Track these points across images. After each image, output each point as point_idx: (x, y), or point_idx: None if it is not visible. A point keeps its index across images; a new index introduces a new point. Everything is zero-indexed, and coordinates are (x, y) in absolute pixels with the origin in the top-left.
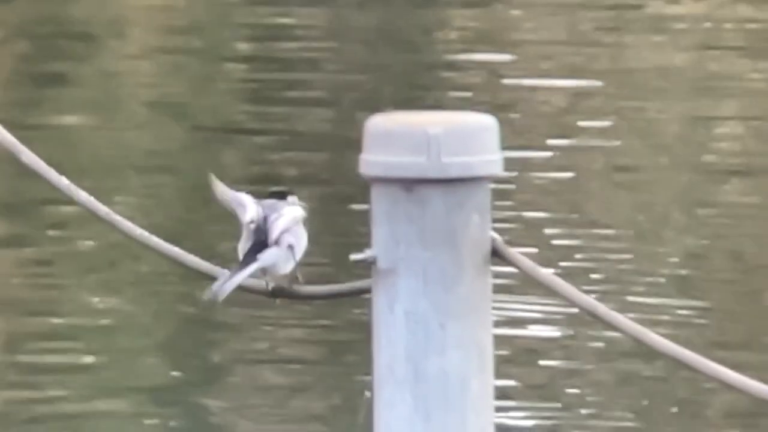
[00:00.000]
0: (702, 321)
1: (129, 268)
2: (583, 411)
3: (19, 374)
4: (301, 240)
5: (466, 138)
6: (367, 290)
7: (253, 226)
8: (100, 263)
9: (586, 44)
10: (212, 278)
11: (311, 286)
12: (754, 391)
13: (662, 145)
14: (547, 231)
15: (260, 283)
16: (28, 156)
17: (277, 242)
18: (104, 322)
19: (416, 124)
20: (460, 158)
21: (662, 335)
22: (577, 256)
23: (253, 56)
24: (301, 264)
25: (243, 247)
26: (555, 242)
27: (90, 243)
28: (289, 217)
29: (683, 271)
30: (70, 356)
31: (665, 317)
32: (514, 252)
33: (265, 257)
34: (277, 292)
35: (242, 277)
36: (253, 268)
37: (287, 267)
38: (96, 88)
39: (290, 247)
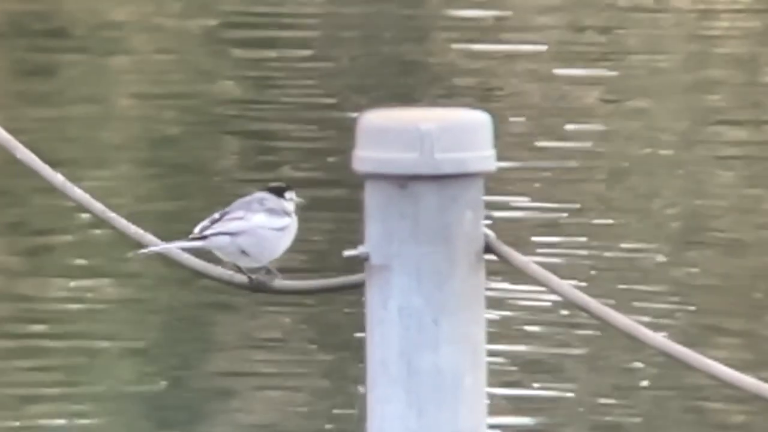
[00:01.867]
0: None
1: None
2: None
3: None
4: (261, 242)
5: (459, 134)
6: (358, 285)
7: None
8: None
9: None
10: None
11: (301, 281)
12: (746, 386)
13: None
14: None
15: (243, 278)
16: (23, 153)
17: (204, 238)
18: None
19: (409, 121)
20: (453, 154)
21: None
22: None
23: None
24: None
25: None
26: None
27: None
28: (243, 224)
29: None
30: None
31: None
32: (507, 248)
33: (209, 241)
34: (258, 286)
35: (170, 246)
36: (185, 244)
37: (240, 261)
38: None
39: (243, 251)
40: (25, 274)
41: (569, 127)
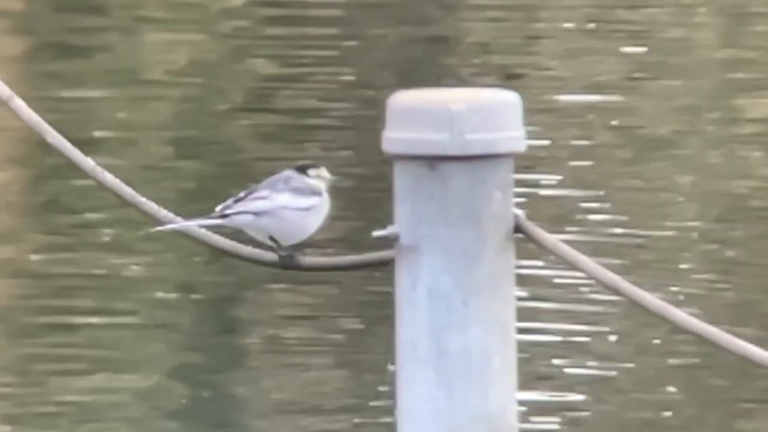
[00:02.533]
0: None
1: None
2: None
3: None
4: (285, 223)
5: (488, 115)
6: (387, 261)
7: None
8: None
9: None
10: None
11: (330, 257)
12: None
13: None
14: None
15: (273, 257)
16: (54, 137)
17: (226, 216)
18: None
19: (439, 101)
20: (482, 135)
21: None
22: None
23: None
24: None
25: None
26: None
27: None
28: (266, 204)
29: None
30: None
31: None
32: (537, 228)
33: (229, 220)
34: (287, 263)
35: (186, 224)
36: (203, 221)
37: (270, 240)
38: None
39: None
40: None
41: (597, 100)
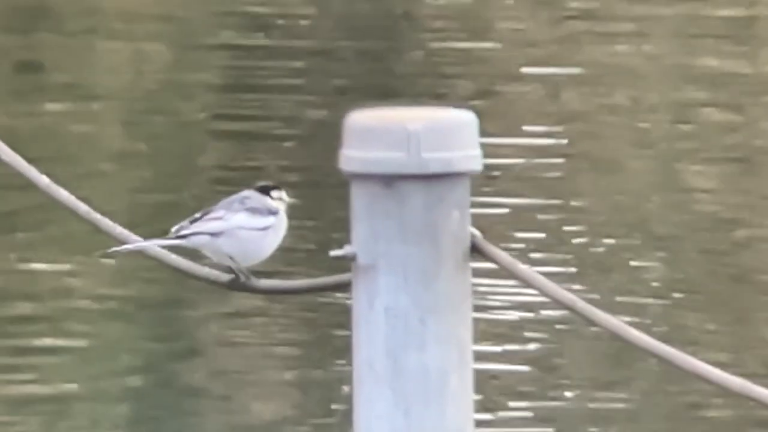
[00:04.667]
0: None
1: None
2: None
3: None
4: (242, 244)
5: (446, 134)
6: (343, 285)
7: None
8: None
9: None
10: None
11: (286, 281)
12: (733, 386)
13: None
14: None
15: (221, 276)
16: (7, 153)
17: (183, 237)
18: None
19: (396, 120)
20: (440, 154)
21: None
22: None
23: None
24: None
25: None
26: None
27: None
28: (221, 224)
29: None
30: None
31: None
32: (494, 248)
33: (186, 240)
34: (241, 286)
35: (141, 245)
36: (163, 242)
37: (229, 261)
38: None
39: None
40: None
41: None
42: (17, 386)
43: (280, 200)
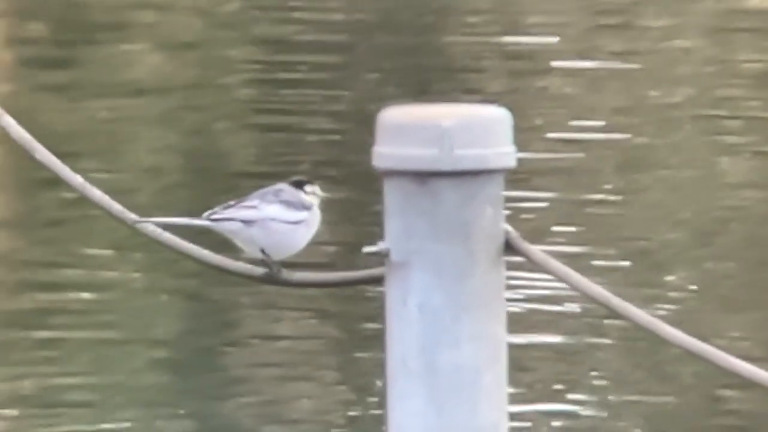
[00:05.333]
0: None
1: None
2: None
3: None
4: (274, 236)
5: (479, 130)
6: (377, 279)
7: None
8: None
9: None
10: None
11: (320, 274)
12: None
13: None
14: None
15: (255, 270)
16: (42, 153)
17: (214, 220)
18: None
19: (429, 117)
20: (473, 151)
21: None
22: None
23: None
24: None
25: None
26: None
27: None
28: (254, 213)
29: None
30: None
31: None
32: (528, 245)
33: (217, 224)
34: (274, 279)
35: (171, 220)
36: (189, 221)
37: (259, 253)
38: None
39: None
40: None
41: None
42: (51, 379)
43: (313, 194)
